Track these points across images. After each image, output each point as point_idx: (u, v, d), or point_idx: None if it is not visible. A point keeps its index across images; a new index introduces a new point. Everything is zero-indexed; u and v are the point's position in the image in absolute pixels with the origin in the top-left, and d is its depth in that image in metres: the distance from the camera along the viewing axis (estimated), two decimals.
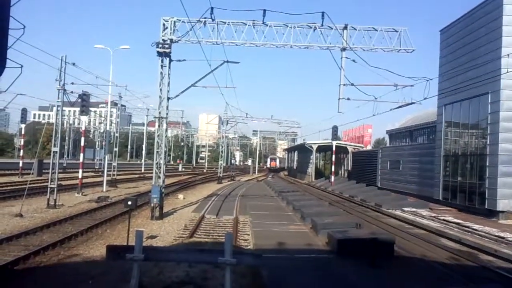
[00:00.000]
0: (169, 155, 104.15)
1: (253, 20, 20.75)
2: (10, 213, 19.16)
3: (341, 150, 60.08)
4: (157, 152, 21.27)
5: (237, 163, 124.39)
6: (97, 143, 76.32)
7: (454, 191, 27.47)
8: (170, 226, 18.47)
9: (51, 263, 11.92)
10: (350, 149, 60.05)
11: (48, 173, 24.72)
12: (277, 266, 11.08)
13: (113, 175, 37.21)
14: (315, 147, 61.15)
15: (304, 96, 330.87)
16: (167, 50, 20.50)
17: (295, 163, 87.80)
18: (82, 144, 32.46)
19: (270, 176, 77.99)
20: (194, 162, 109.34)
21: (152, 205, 20.08)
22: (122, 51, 59.24)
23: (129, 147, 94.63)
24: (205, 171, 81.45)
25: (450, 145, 29.39)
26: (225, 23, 20.90)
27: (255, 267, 9.78)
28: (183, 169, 77.79)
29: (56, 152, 24.24)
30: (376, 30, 21.38)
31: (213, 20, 20.18)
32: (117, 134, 41.73)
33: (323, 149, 67.16)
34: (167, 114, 21.56)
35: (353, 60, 20.86)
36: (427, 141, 39.21)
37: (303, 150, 70.00)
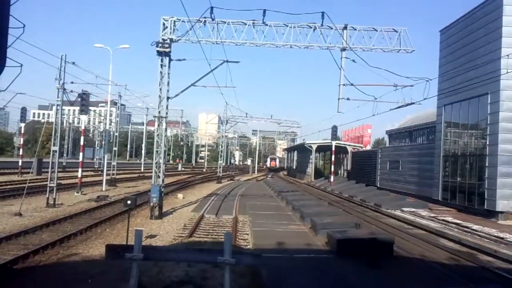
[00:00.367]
0: (169, 154, 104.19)
1: (253, 20, 20.75)
2: (9, 212, 19.16)
3: (341, 150, 60.10)
4: (157, 151, 21.26)
5: (237, 162, 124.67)
6: (96, 142, 76.31)
7: (453, 191, 27.49)
8: (169, 225, 18.46)
9: (50, 262, 11.91)
10: (349, 149, 60.07)
11: (47, 172, 24.71)
12: (276, 266, 11.08)
13: (113, 174, 37.20)
14: (314, 147, 61.17)
15: (304, 96, 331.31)
16: (167, 50, 20.49)
17: (294, 163, 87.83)
18: (82, 143, 32.44)
19: (269, 175, 78.08)
20: (193, 162, 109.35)
21: (152, 204, 20.08)
22: (122, 50, 59.18)
23: (128, 146, 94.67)
24: (204, 170, 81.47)
25: (450, 146, 29.40)
26: (225, 22, 20.90)
27: (255, 267, 9.78)
28: (183, 169, 77.77)
29: (56, 151, 24.23)
30: (376, 30, 21.39)
31: (213, 19, 20.18)
32: (116, 134, 41.72)
33: (323, 149, 67.17)
34: (166, 113, 21.54)
35: (353, 60, 20.88)
36: (426, 142, 39.25)
37: (302, 150, 70.02)
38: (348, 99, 22.35)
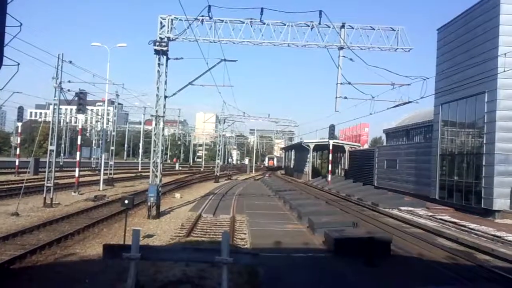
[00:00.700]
0: (166, 154, 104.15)
1: (251, 19, 20.72)
2: (6, 212, 19.08)
3: (338, 149, 60.14)
4: (154, 151, 21.23)
5: (234, 162, 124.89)
6: (94, 141, 76.10)
7: (450, 190, 27.54)
8: (167, 225, 18.44)
9: (47, 262, 11.88)
10: (347, 148, 60.13)
11: (44, 171, 24.64)
12: (274, 265, 11.08)
13: (110, 174, 37.14)
14: (312, 146, 61.16)
15: (302, 95, 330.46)
16: (164, 48, 20.45)
17: (292, 162, 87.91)
18: (79, 142, 32.29)
19: (267, 175, 78.24)
20: (191, 161, 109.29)
21: (149, 204, 20.05)
22: (119, 49, 58.84)
23: (126, 145, 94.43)
24: (202, 170, 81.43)
25: (447, 144, 29.46)
26: (222, 21, 20.87)
27: (252, 266, 9.77)
28: (180, 168, 77.72)
29: (53, 150, 24.14)
30: (374, 29, 21.40)
31: (210, 18, 20.15)
32: (114, 133, 41.58)
33: (320, 148, 67.21)
34: (164, 112, 21.49)
35: (351, 59, 20.94)
36: (423, 140, 39.34)
37: (300, 149, 70.02)
38: (345, 98, 22.40)
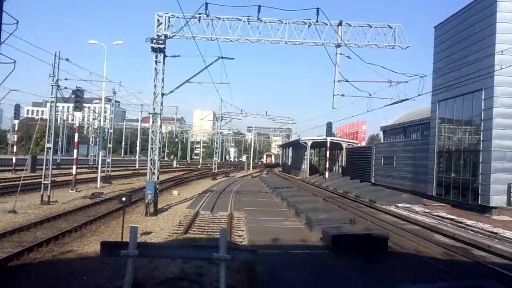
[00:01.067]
0: (163, 151, 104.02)
1: (248, 16, 20.72)
2: (3, 209, 19.05)
3: (336, 146, 60.17)
4: (151, 148, 21.22)
5: (232, 159, 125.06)
6: (91, 139, 76.09)
7: (447, 187, 27.63)
8: (164, 222, 18.44)
9: (45, 259, 11.87)
10: (344, 145, 60.20)
11: (41, 169, 24.59)
12: (271, 262, 11.11)
13: (107, 171, 37.10)
14: (309, 143, 61.22)
15: (299, 92, 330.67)
16: (162, 46, 20.39)
17: (289, 159, 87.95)
18: (76, 140, 32.31)
19: (265, 172, 78.38)
20: (188, 158, 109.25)
21: (147, 201, 20.05)
22: (116, 46, 59.08)
23: (123, 143, 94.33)
24: (199, 167, 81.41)
25: (444, 141, 29.53)
26: (219, 18, 20.83)
27: (250, 263, 9.80)
28: (178, 165, 77.70)
29: (50, 148, 24.11)
30: (371, 27, 21.39)
31: (207, 15, 20.14)
32: (111, 130, 41.58)
33: (318, 145, 67.26)
34: (161, 110, 21.49)
35: (348, 57, 20.93)
36: (421, 138, 39.41)
37: (297, 146, 70.08)
38: (343, 95, 22.46)
